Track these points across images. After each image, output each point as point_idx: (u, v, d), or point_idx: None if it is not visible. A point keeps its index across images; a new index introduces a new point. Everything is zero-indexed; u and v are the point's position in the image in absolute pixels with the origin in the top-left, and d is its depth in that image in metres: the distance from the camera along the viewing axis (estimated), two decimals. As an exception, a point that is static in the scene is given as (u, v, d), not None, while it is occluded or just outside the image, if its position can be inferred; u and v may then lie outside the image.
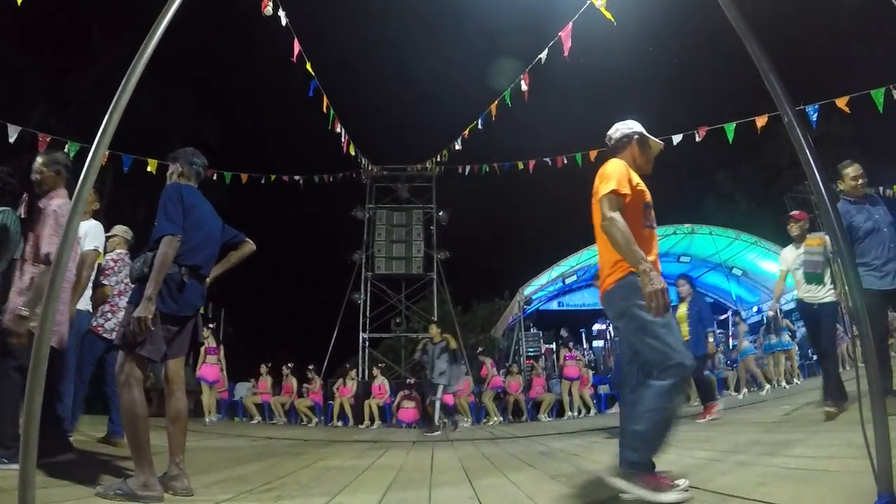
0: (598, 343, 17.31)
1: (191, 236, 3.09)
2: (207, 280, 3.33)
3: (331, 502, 2.87)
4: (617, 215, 2.57)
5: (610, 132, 3.08)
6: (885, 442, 1.62)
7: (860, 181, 4.70)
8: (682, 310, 7.22)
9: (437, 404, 9.19)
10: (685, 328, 6.94)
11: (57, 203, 3.57)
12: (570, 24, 6.92)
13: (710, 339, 7.08)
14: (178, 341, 3.15)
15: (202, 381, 10.98)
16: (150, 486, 2.71)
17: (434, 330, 9.61)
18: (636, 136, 2.99)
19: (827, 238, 4.58)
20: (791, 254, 5.53)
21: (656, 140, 3.05)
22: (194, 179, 3.39)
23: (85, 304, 4.50)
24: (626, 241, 2.50)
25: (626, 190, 2.66)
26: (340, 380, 12.89)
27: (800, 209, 6.31)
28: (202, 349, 11.01)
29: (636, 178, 2.79)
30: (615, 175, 2.69)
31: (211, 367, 11.19)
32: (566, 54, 7.07)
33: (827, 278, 4.91)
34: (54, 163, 3.72)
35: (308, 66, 9.01)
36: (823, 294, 5.06)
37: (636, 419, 2.49)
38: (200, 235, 3.19)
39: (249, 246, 3.56)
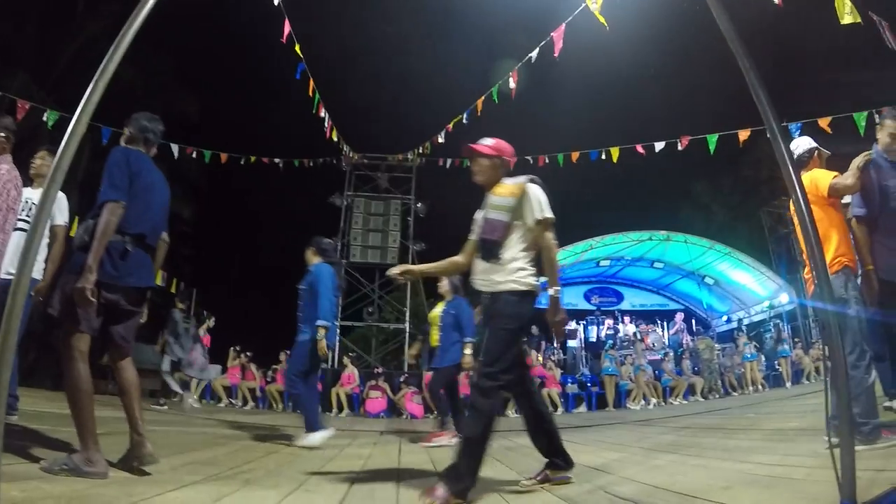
0: (571, 343, 17.46)
1: (136, 203, 2.98)
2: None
3: (299, 489, 2.85)
4: None
5: (792, 149, 3.80)
6: (849, 451, 1.66)
7: (894, 141, 3.57)
8: (437, 311, 6.32)
9: (169, 378, 9.11)
10: (435, 334, 6.16)
11: (5, 168, 3.48)
12: (564, 25, 6.95)
13: (468, 352, 5.70)
14: (124, 320, 3.06)
15: None
16: (95, 462, 2.68)
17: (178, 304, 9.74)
18: (816, 151, 3.85)
19: (530, 185, 3.00)
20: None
21: (824, 150, 3.90)
22: (143, 145, 3.26)
23: (38, 270, 4.32)
24: None
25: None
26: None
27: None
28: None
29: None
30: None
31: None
32: (556, 55, 7.10)
33: (513, 255, 2.93)
34: (3, 128, 3.58)
35: (297, 48, 8.90)
36: (503, 278, 2.90)
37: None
38: (147, 203, 3.08)
39: (163, 243, 3.47)
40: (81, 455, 2.68)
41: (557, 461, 3.04)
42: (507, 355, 2.78)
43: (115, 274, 2.89)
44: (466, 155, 3.21)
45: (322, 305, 5.14)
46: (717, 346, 14.21)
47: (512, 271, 2.89)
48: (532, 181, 3.03)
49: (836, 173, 3.61)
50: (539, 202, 2.95)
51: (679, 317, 18.04)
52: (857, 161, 3.56)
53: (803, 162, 3.78)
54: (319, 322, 5.08)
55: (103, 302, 2.87)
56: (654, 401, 12.33)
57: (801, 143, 3.88)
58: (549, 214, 2.94)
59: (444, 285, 6.19)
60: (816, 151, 3.84)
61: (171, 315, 9.18)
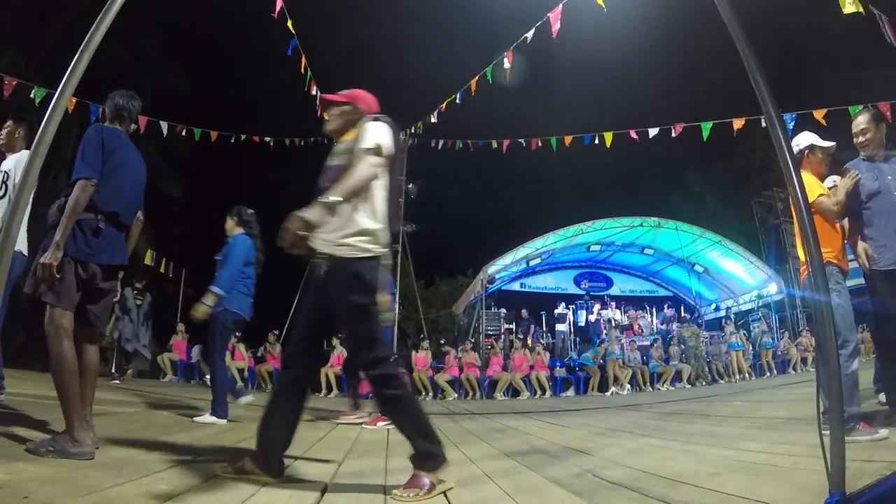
0: (560, 326, 17.48)
1: (110, 181, 2.98)
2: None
3: (288, 470, 2.84)
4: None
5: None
6: (839, 441, 1.66)
7: (861, 137, 3.76)
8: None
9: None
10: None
11: None
12: (561, 5, 6.86)
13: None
14: (98, 298, 3.04)
15: None
16: (81, 442, 2.68)
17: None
18: (806, 150, 3.75)
19: (369, 123, 2.70)
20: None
21: (827, 144, 3.74)
22: (118, 122, 3.24)
23: (21, 243, 3.97)
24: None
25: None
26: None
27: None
28: None
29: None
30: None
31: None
32: (554, 36, 7.02)
33: (353, 206, 2.49)
34: None
35: (289, 24, 8.75)
36: (340, 239, 2.51)
37: None
38: (120, 181, 3.07)
39: (138, 222, 3.38)
40: (67, 435, 2.67)
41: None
42: (379, 332, 2.60)
43: (88, 251, 2.90)
44: (321, 106, 2.98)
45: (222, 273, 4.91)
46: (703, 333, 14.32)
47: (351, 231, 2.49)
48: (376, 119, 2.71)
49: (823, 190, 3.64)
50: (372, 135, 2.58)
51: (669, 312, 18.16)
52: (847, 186, 3.60)
53: (798, 163, 3.68)
54: (213, 288, 4.81)
55: (78, 279, 2.87)
56: (626, 389, 12.45)
57: (798, 141, 3.81)
58: (381, 141, 2.57)
59: None
60: (808, 151, 3.76)
61: (122, 293, 9.91)
